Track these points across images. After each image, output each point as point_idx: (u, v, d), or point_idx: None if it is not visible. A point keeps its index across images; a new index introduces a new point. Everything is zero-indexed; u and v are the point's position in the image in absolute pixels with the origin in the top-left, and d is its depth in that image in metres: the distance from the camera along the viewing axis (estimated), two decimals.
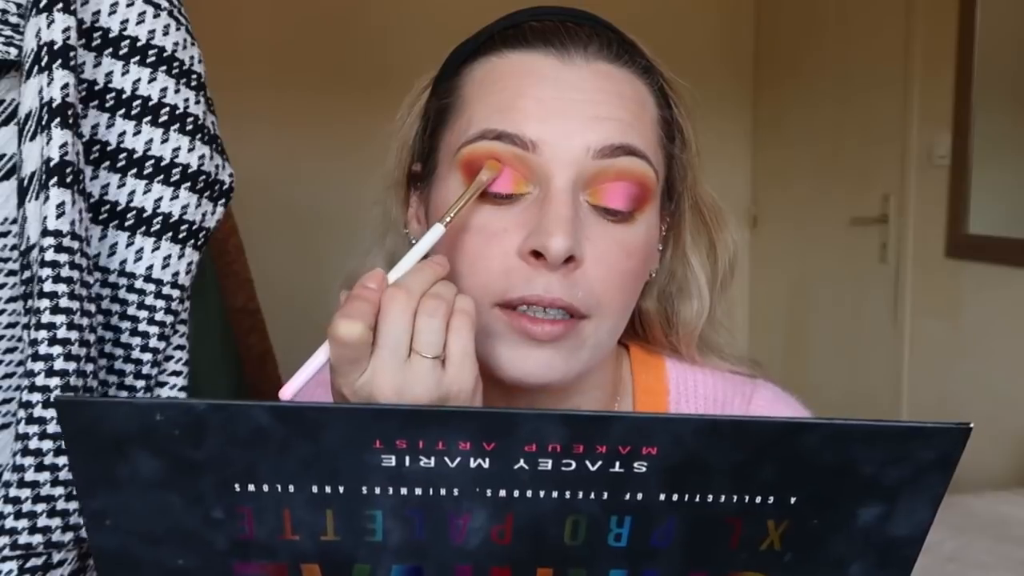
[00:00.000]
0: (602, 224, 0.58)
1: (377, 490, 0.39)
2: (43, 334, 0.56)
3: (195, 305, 0.68)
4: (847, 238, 2.71)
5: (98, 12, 0.63)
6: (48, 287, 0.57)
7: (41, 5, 0.58)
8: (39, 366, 0.56)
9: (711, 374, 0.71)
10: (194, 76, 0.66)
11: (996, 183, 2.25)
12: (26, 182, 0.58)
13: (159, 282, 0.65)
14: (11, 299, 0.62)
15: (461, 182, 0.59)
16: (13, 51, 0.60)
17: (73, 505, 0.57)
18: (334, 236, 2.55)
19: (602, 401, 0.68)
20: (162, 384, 0.67)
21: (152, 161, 0.64)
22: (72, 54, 0.58)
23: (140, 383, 0.65)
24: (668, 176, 0.64)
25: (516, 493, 0.39)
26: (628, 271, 0.59)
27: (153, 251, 0.65)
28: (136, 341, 0.65)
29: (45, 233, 0.57)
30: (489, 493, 0.39)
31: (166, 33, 0.64)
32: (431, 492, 0.39)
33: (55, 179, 0.57)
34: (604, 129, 0.57)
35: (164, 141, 0.64)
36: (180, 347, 0.68)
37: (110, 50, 0.63)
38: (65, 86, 0.58)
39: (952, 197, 2.31)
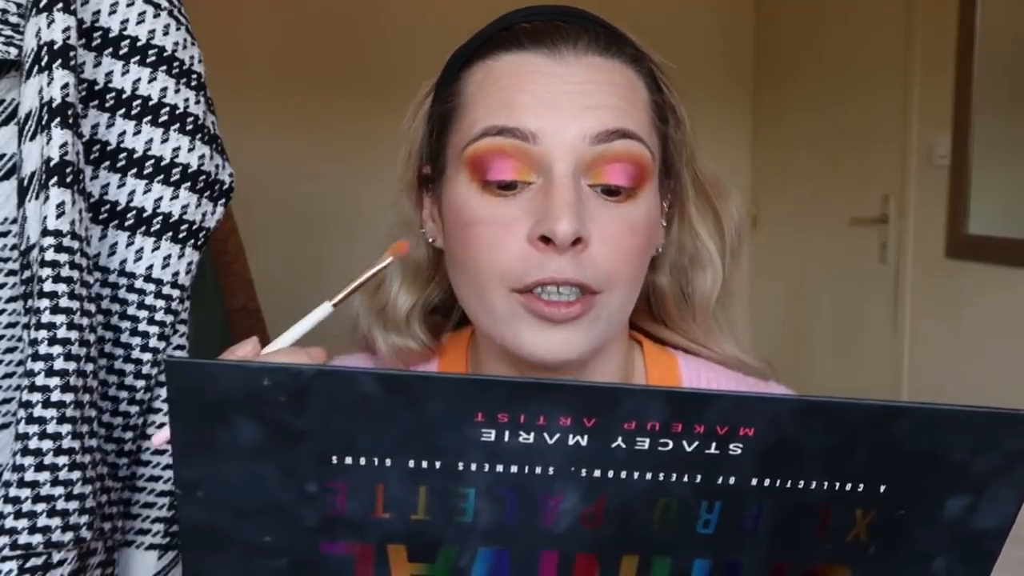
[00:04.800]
0: (605, 205, 0.61)
1: (473, 466, 0.39)
2: (43, 334, 0.56)
3: (195, 305, 0.69)
4: (847, 239, 2.70)
5: (98, 12, 0.63)
6: (48, 287, 0.57)
7: (41, 5, 0.58)
8: (39, 366, 0.56)
9: (723, 372, 0.72)
10: (194, 76, 0.66)
11: (996, 183, 2.25)
12: (26, 182, 0.58)
13: (159, 282, 0.65)
14: (11, 299, 0.62)
15: (468, 179, 0.61)
16: (13, 51, 0.60)
17: (73, 505, 0.57)
18: (334, 236, 2.55)
19: (614, 380, 0.69)
20: (162, 384, 0.67)
21: (152, 161, 0.64)
22: (72, 54, 0.58)
23: (140, 383, 0.65)
24: (665, 155, 0.67)
25: (611, 473, 0.39)
26: (634, 247, 0.62)
27: (153, 251, 0.65)
28: (136, 341, 0.65)
29: (45, 233, 0.57)
30: (584, 472, 0.39)
31: (166, 33, 0.64)
32: (526, 470, 0.39)
33: (55, 179, 0.57)
34: (598, 116, 0.60)
35: (164, 141, 0.64)
36: (180, 347, 0.68)
37: (110, 50, 0.63)
38: (65, 86, 0.58)
39: (952, 197, 2.30)
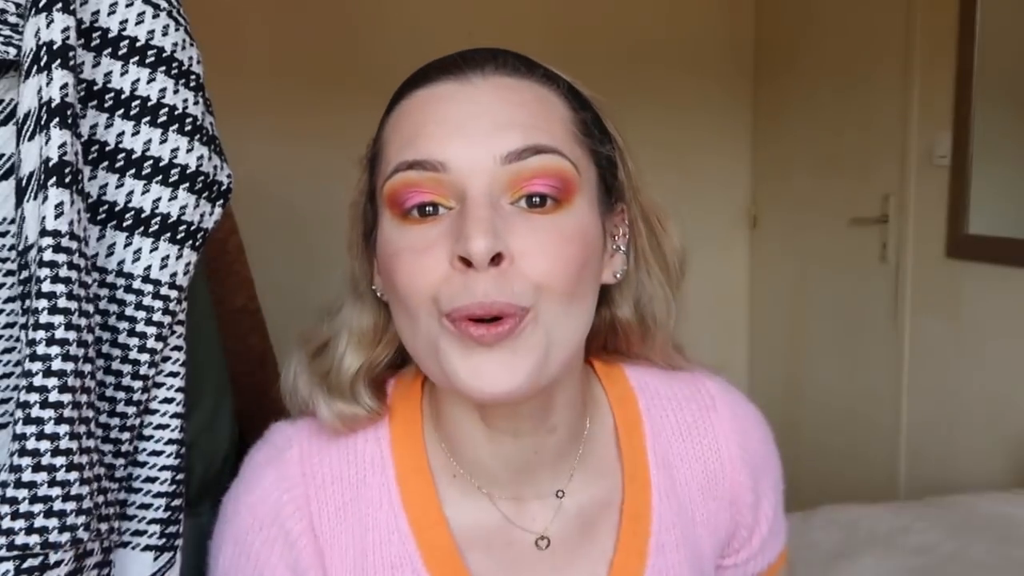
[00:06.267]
0: (529, 218, 0.59)
1: None
2: (41, 334, 0.56)
3: (190, 305, 0.69)
4: (847, 238, 2.70)
5: (97, 12, 0.63)
6: (46, 287, 0.56)
7: (40, 5, 0.58)
8: (37, 366, 0.56)
9: (658, 374, 0.73)
10: (193, 76, 0.66)
11: (996, 183, 2.25)
12: (24, 182, 0.58)
13: (157, 283, 0.65)
14: (9, 299, 0.62)
15: (390, 216, 0.61)
16: (12, 51, 0.60)
17: (70, 505, 0.57)
18: (334, 236, 2.54)
19: (575, 420, 0.69)
20: (159, 385, 0.67)
21: (151, 161, 0.64)
22: (71, 54, 0.58)
23: (138, 384, 0.65)
24: (600, 171, 0.65)
25: None
26: (569, 255, 0.59)
27: (151, 251, 0.65)
28: (134, 342, 0.65)
29: (43, 233, 0.57)
30: None
31: (165, 33, 0.64)
32: None
33: (54, 179, 0.57)
34: (508, 136, 0.59)
35: (163, 142, 0.64)
36: (177, 348, 0.68)
37: (109, 50, 0.63)
38: (64, 86, 0.58)
39: (952, 197, 2.30)
